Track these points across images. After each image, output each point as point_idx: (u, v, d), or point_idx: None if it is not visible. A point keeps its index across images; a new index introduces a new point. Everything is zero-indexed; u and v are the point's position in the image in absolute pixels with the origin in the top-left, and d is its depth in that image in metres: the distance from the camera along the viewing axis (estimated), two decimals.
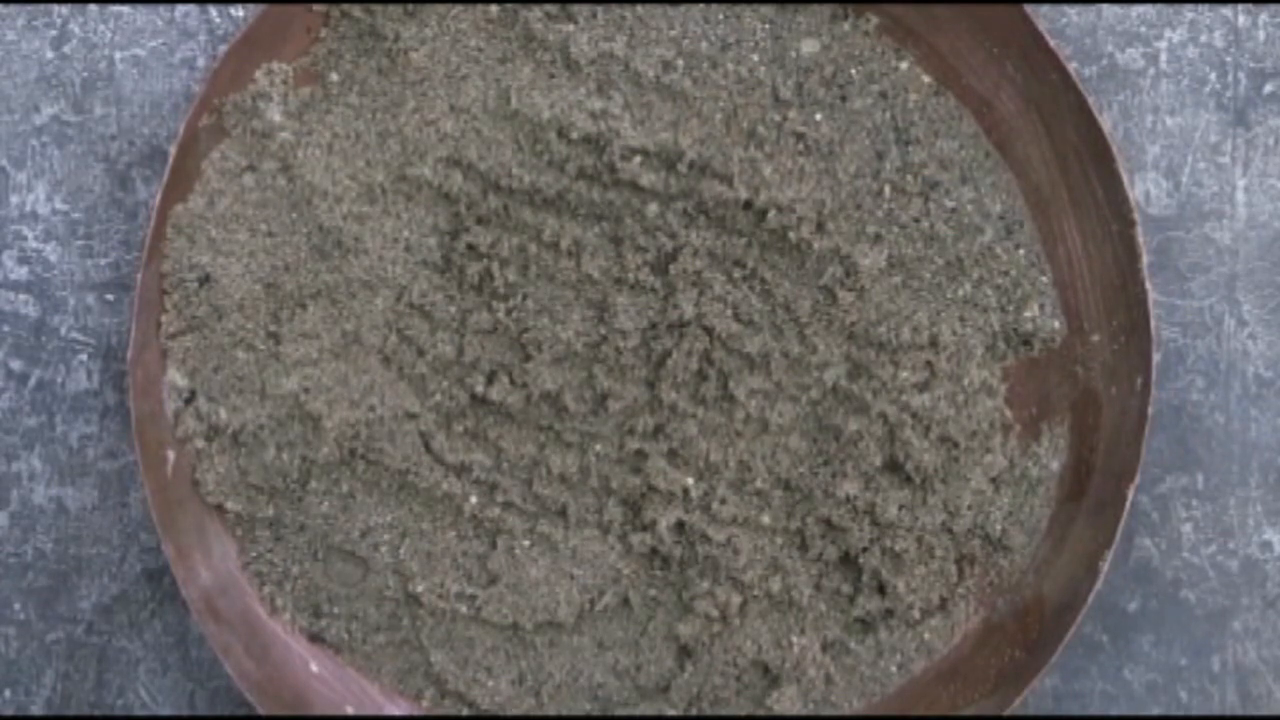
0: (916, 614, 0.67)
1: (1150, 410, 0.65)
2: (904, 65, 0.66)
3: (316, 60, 0.67)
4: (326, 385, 0.67)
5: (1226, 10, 0.68)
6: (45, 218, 0.70)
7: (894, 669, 0.68)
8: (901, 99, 0.66)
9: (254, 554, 0.69)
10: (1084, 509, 0.67)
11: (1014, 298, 0.67)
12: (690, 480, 0.67)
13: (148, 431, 0.66)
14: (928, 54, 0.66)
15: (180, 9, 0.70)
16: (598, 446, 0.67)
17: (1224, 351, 0.69)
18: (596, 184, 0.66)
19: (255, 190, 0.67)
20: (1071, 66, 0.64)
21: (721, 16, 0.66)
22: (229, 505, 0.68)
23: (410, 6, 0.66)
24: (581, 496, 0.68)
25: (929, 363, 0.66)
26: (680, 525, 0.67)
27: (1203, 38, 0.68)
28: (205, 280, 0.66)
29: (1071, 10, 0.69)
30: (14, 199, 0.70)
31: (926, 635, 0.68)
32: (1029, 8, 0.64)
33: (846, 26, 0.66)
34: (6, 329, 0.71)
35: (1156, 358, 0.65)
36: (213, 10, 0.69)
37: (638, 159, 0.65)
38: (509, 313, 0.67)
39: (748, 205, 0.65)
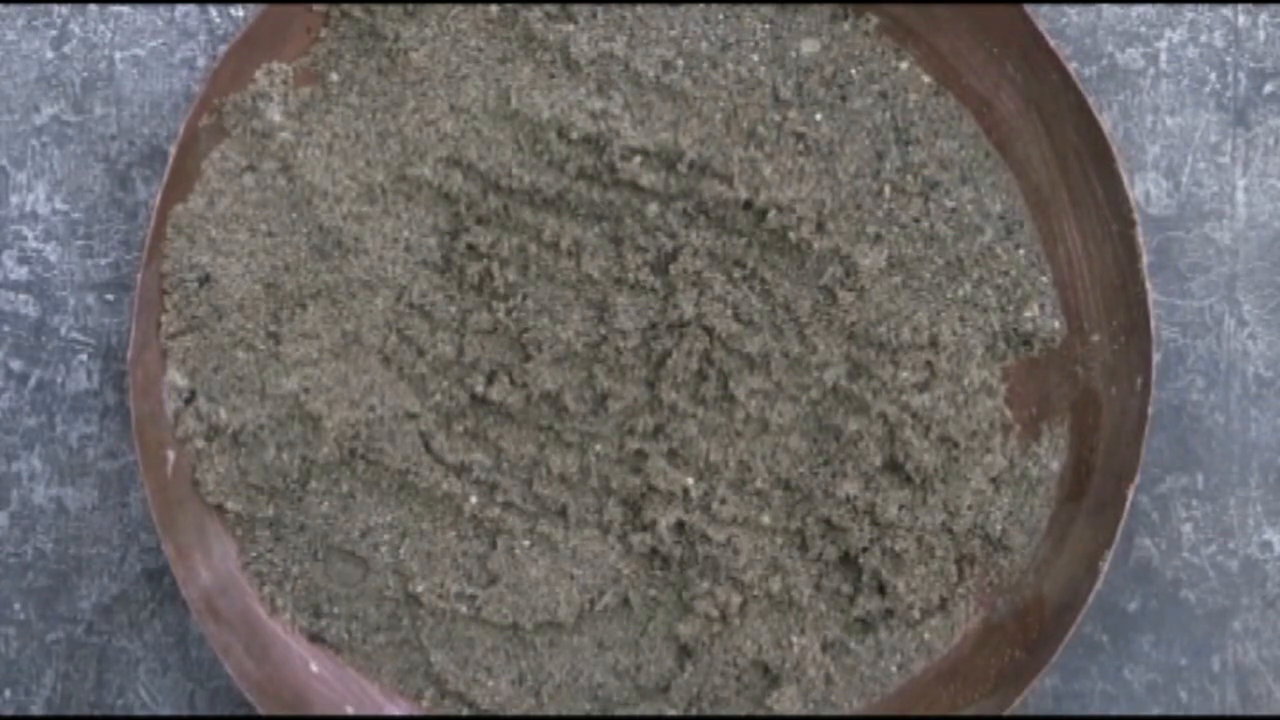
0: (916, 614, 0.67)
1: (1150, 410, 0.65)
2: (904, 65, 0.66)
3: (316, 60, 0.67)
4: (326, 385, 0.67)
5: (1226, 10, 0.68)
6: (45, 218, 0.70)
7: (894, 669, 0.68)
8: (901, 99, 0.66)
9: (254, 554, 0.69)
10: (1084, 509, 0.67)
11: (1014, 298, 0.67)
12: (690, 480, 0.67)
13: (148, 431, 0.66)
14: (928, 54, 0.66)
15: (180, 9, 0.70)
16: (598, 446, 0.67)
17: (1224, 351, 0.69)
18: (596, 184, 0.66)
19: (255, 190, 0.67)
20: (1071, 66, 0.64)
21: (721, 16, 0.66)
22: (229, 505, 0.68)
23: (410, 6, 0.66)
24: (581, 496, 0.68)
25: (929, 363, 0.66)
26: (680, 525, 0.67)
27: (1203, 38, 0.68)
28: (205, 280, 0.66)
29: (1071, 10, 0.69)
30: (14, 199, 0.70)
31: (926, 635, 0.68)
32: (1029, 8, 0.64)
33: (846, 26, 0.66)
34: (6, 329, 0.71)
35: (1156, 358, 0.65)
36: (213, 10, 0.69)
37: (638, 159, 0.65)
38: (509, 313, 0.67)
39: (748, 205, 0.65)
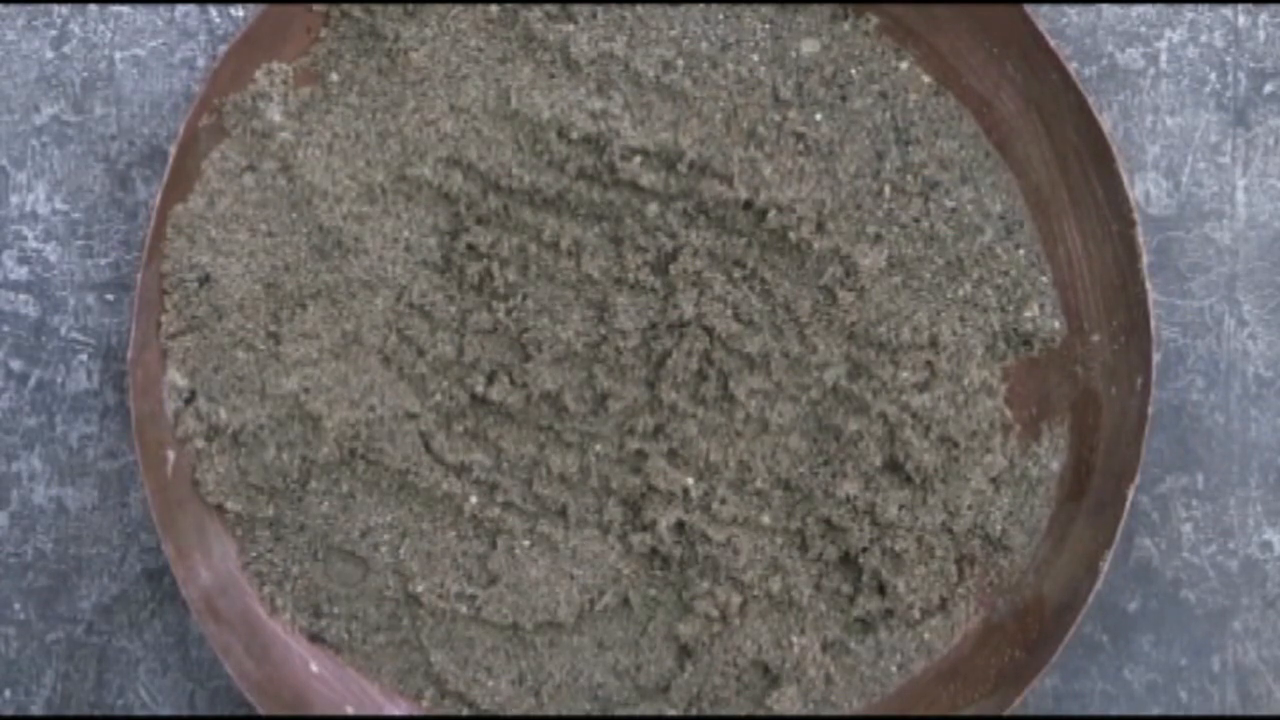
0: (916, 614, 0.67)
1: (1150, 410, 0.65)
2: (904, 65, 0.66)
3: (316, 60, 0.67)
4: (326, 385, 0.67)
5: (1226, 10, 0.68)
6: (45, 218, 0.70)
7: (894, 669, 0.68)
8: (901, 99, 0.66)
9: (254, 554, 0.69)
10: (1084, 509, 0.67)
11: (1014, 298, 0.67)
12: (690, 480, 0.67)
13: (148, 431, 0.66)
14: (928, 54, 0.66)
15: (180, 9, 0.70)
16: (598, 446, 0.67)
17: (1224, 351, 0.69)
18: (596, 184, 0.66)
19: (255, 190, 0.67)
20: (1071, 66, 0.64)
21: (721, 16, 0.66)
22: (229, 505, 0.68)
23: (410, 6, 0.66)
24: (581, 496, 0.68)
25: (929, 363, 0.66)
26: (680, 525, 0.67)
27: (1203, 38, 0.68)
28: (205, 280, 0.66)
29: (1071, 10, 0.69)
30: (14, 199, 0.70)
31: (926, 635, 0.68)
32: (1029, 8, 0.64)
33: (846, 26, 0.66)
34: (6, 329, 0.71)
35: (1156, 358, 0.65)
36: (213, 10, 0.69)
37: (638, 159, 0.65)
38: (509, 313, 0.67)
39: (748, 205, 0.65)
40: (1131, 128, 0.69)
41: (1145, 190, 0.69)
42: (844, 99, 0.66)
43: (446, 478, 0.68)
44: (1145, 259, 0.65)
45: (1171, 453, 0.69)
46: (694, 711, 0.68)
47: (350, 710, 0.69)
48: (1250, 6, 0.68)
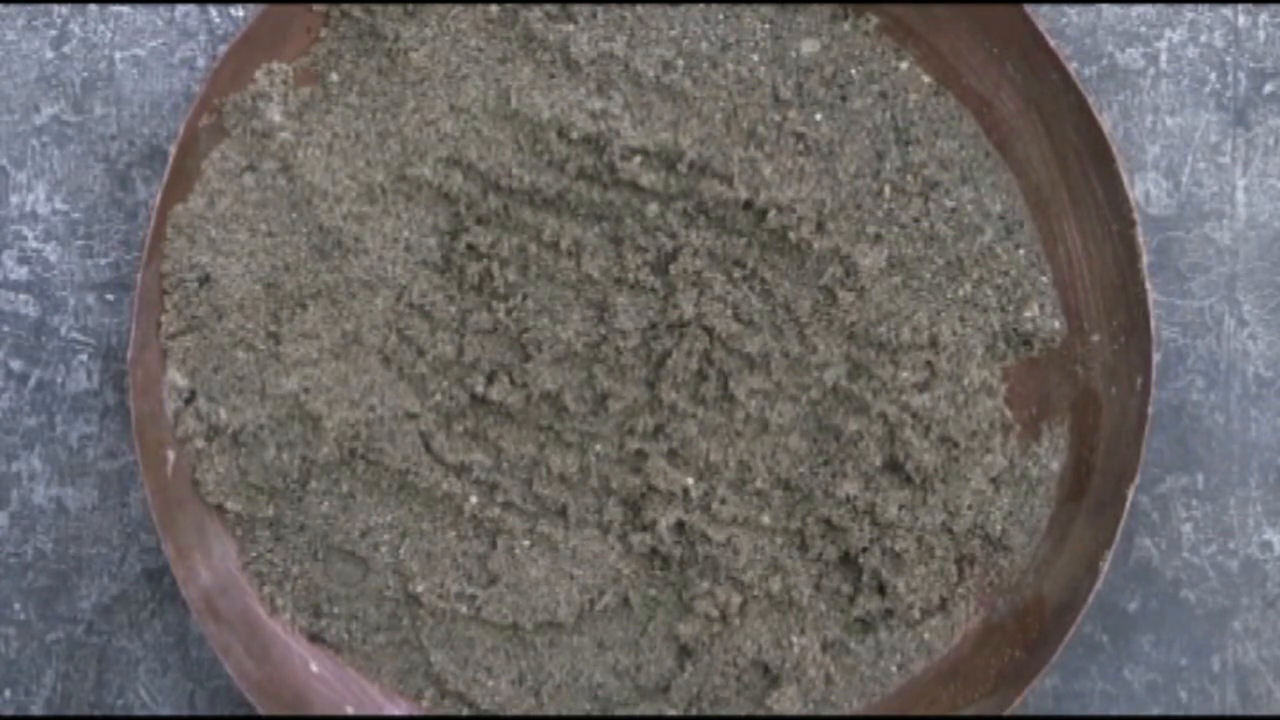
0: (916, 614, 0.67)
1: (1150, 410, 0.65)
2: (904, 65, 0.66)
3: (316, 60, 0.67)
4: (326, 385, 0.67)
5: (1226, 10, 0.68)
6: (45, 218, 0.70)
7: (894, 669, 0.68)
8: (901, 99, 0.66)
9: (254, 554, 0.69)
10: (1084, 509, 0.67)
11: (1014, 298, 0.67)
12: (690, 480, 0.67)
13: (148, 431, 0.66)
14: (928, 54, 0.66)
15: (180, 9, 0.70)
16: (598, 446, 0.67)
17: (1224, 351, 0.69)
18: (596, 184, 0.66)
19: (255, 190, 0.67)
20: (1071, 66, 0.64)
21: (721, 16, 0.66)
22: (229, 505, 0.68)
23: (410, 6, 0.66)
24: (581, 496, 0.68)
25: (929, 363, 0.66)
26: (680, 525, 0.67)
27: (1203, 38, 0.68)
28: (205, 280, 0.66)
29: (1071, 10, 0.69)
30: (14, 199, 0.70)
31: (926, 635, 0.68)
32: (1029, 8, 0.64)
33: (846, 26, 0.66)
34: (6, 329, 0.71)
35: (1156, 358, 0.65)
36: (213, 10, 0.69)
37: (638, 159, 0.65)
38: (509, 313, 0.67)
39: (748, 205, 0.65)
40: (1131, 128, 0.69)
41: (1145, 190, 0.69)
42: (844, 99, 0.66)
43: (446, 478, 0.68)
44: (1145, 259, 0.65)
45: (1171, 453, 0.69)
46: (694, 711, 0.68)
47: (350, 710, 0.69)
48: (1250, 6, 0.68)
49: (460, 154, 0.66)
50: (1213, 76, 0.69)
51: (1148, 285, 0.65)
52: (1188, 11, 0.68)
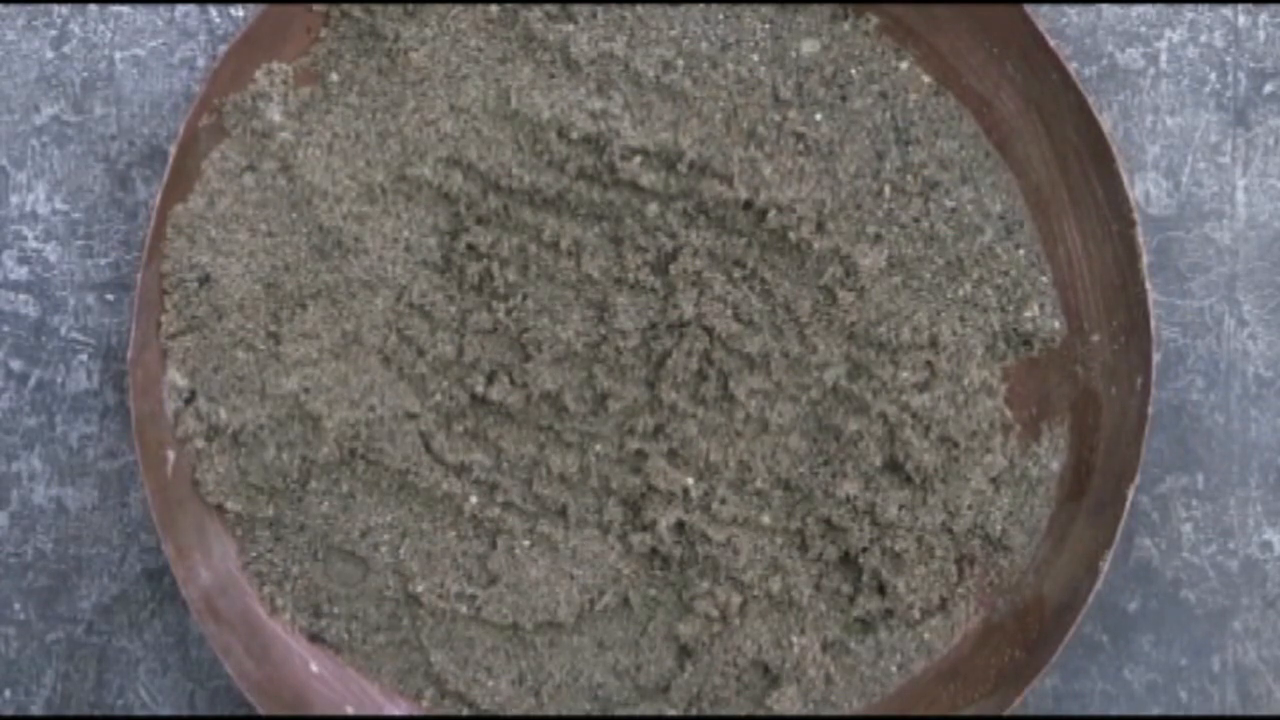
0: (916, 614, 0.67)
1: (1150, 410, 0.65)
2: (904, 65, 0.66)
3: (316, 60, 0.67)
4: (326, 385, 0.67)
5: (1226, 10, 0.68)
6: (45, 218, 0.70)
7: (894, 669, 0.68)
8: (901, 99, 0.66)
9: (254, 554, 0.69)
10: (1084, 509, 0.67)
11: (1014, 298, 0.67)
12: (690, 480, 0.67)
13: (148, 431, 0.66)
14: (928, 54, 0.66)
15: (180, 9, 0.70)
16: (598, 446, 0.67)
17: (1224, 351, 0.69)
18: (596, 184, 0.66)
19: (255, 190, 0.67)
20: (1071, 66, 0.64)
21: (721, 16, 0.66)
22: (229, 505, 0.68)
23: (410, 6, 0.66)
24: (581, 496, 0.68)
25: (929, 363, 0.66)
26: (680, 525, 0.67)
27: (1203, 38, 0.68)
28: (205, 280, 0.66)
29: (1071, 10, 0.69)
30: (14, 199, 0.70)
31: (926, 635, 0.68)
32: (1029, 8, 0.64)
33: (846, 26, 0.66)
34: (6, 329, 0.71)
35: (1156, 358, 0.65)
36: (213, 10, 0.69)
37: (638, 159, 0.65)
38: (509, 313, 0.67)
39: (748, 205, 0.65)
40: (1131, 128, 0.69)
41: (1145, 190, 0.69)
42: (844, 99, 0.66)
43: (446, 478, 0.68)
44: (1145, 259, 0.65)
45: (1171, 453, 0.69)
46: (694, 711, 0.68)
47: (350, 710, 0.69)
48: (1250, 6, 0.68)
49: (460, 154, 0.66)
50: (1213, 76, 0.69)
51: (1148, 285, 0.65)
52: (1188, 11, 0.68)
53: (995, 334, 0.67)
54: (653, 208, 0.66)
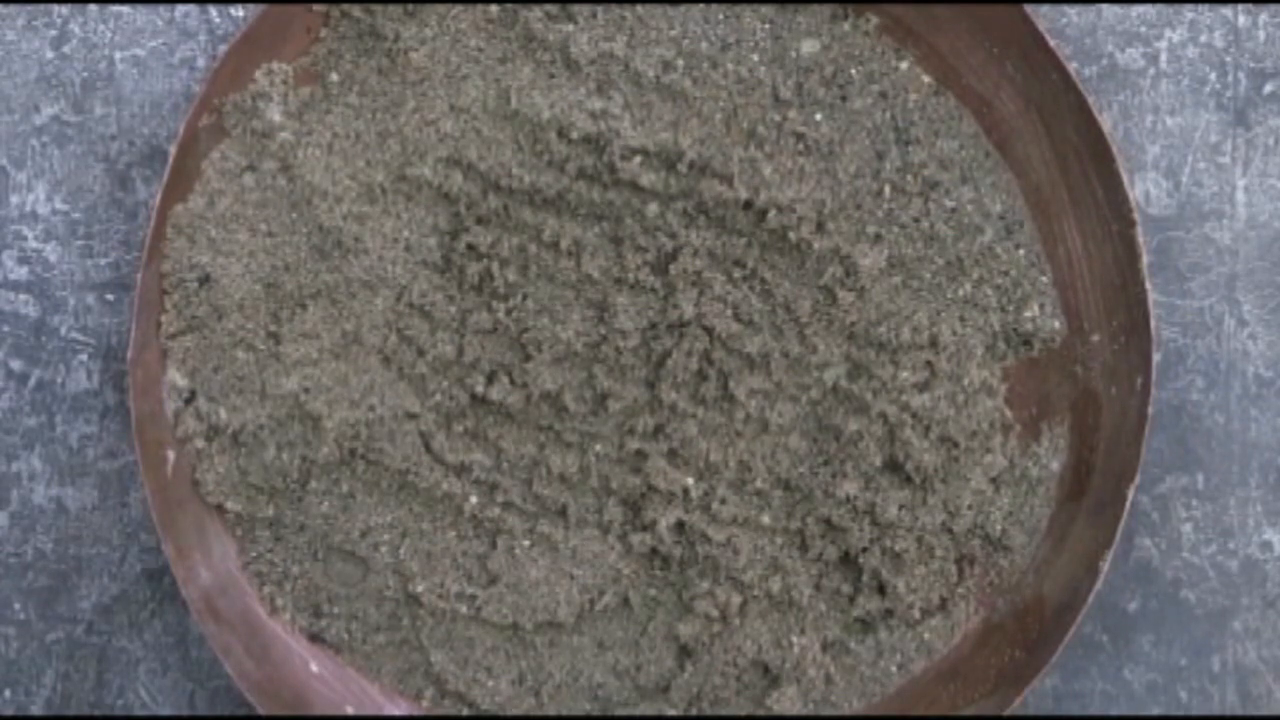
0: (916, 614, 0.67)
1: (1150, 410, 0.65)
2: (904, 65, 0.66)
3: (316, 60, 0.67)
4: (326, 385, 0.67)
5: (1226, 10, 0.68)
6: (45, 218, 0.70)
7: (894, 669, 0.68)
8: (901, 99, 0.66)
9: (254, 554, 0.69)
10: (1084, 509, 0.67)
11: (1014, 298, 0.67)
12: (690, 480, 0.67)
13: (148, 431, 0.66)
14: (928, 54, 0.66)
15: (180, 9, 0.70)
16: (598, 446, 0.67)
17: (1224, 351, 0.69)
18: (596, 184, 0.66)
19: (255, 190, 0.67)
20: (1071, 66, 0.64)
21: (721, 16, 0.66)
22: (229, 505, 0.68)
23: (410, 6, 0.66)
24: (581, 496, 0.68)
25: (929, 363, 0.66)
26: (680, 525, 0.67)
27: (1203, 38, 0.68)
28: (205, 280, 0.66)
29: (1071, 10, 0.69)
30: (14, 199, 0.70)
31: (926, 635, 0.68)
32: (1029, 8, 0.64)
33: (846, 26, 0.66)
34: (6, 329, 0.71)
35: (1156, 358, 0.65)
36: (213, 10, 0.69)
37: (638, 159, 0.65)
38: (509, 313, 0.67)
39: (748, 205, 0.65)
40: (1131, 128, 0.69)
41: (1145, 190, 0.69)
42: (844, 99, 0.66)
43: (446, 478, 0.68)
44: (1145, 259, 0.65)
45: (1171, 453, 0.69)
46: (694, 711, 0.68)
47: (350, 710, 0.69)
48: (1250, 6, 0.68)
49: (460, 154, 0.66)
50: (1213, 76, 0.69)
51: (1148, 285, 0.65)
52: (1188, 11, 0.68)
53: (995, 334, 0.67)
54: (653, 208, 0.66)
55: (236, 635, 0.68)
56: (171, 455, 0.67)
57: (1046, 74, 0.65)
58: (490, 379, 0.67)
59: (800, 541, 0.68)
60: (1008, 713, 0.65)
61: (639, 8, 0.66)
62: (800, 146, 0.66)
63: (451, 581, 0.68)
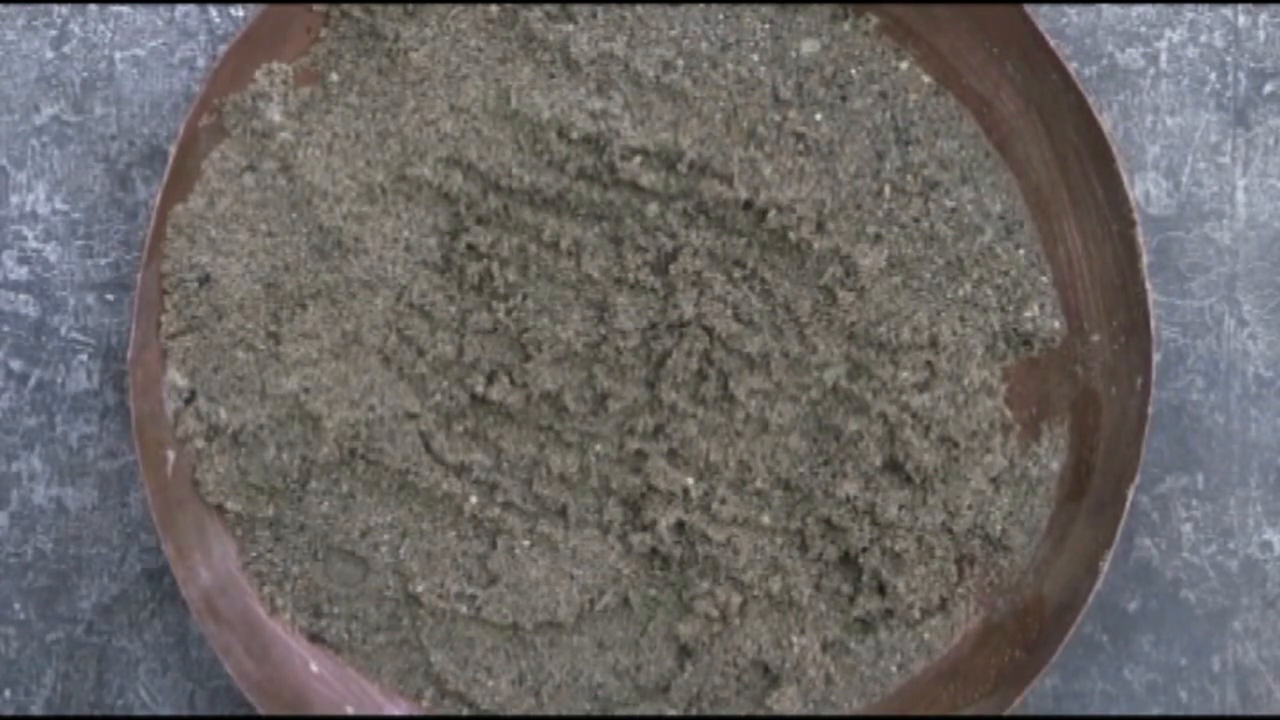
0: (916, 614, 0.67)
1: (1150, 410, 0.65)
2: (904, 65, 0.66)
3: (316, 60, 0.67)
4: (326, 385, 0.67)
5: (1226, 10, 0.68)
6: (45, 218, 0.70)
7: (894, 669, 0.68)
8: (901, 99, 0.66)
9: (254, 554, 0.69)
10: (1084, 509, 0.67)
11: (1014, 298, 0.67)
12: (690, 480, 0.67)
13: (148, 431, 0.66)
14: (928, 54, 0.66)
15: (180, 9, 0.70)
16: (598, 446, 0.67)
17: (1224, 351, 0.69)
18: (596, 184, 0.66)
19: (255, 190, 0.67)
20: (1071, 66, 0.64)
21: (721, 16, 0.66)
22: (229, 505, 0.68)
23: (410, 6, 0.66)
24: (581, 496, 0.68)
25: (929, 363, 0.66)
26: (680, 525, 0.67)
27: (1203, 38, 0.68)
28: (205, 280, 0.66)
29: (1071, 10, 0.69)
30: (14, 199, 0.70)
31: (926, 635, 0.68)
32: (1029, 8, 0.64)
33: (846, 26, 0.66)
34: (6, 329, 0.71)
35: (1156, 358, 0.65)
36: (213, 10, 0.69)
37: (638, 159, 0.65)
38: (509, 313, 0.67)
39: (748, 205, 0.65)
40: (1131, 128, 0.69)
41: (1145, 190, 0.69)
42: (844, 99, 0.66)
43: (446, 478, 0.68)
44: (1145, 259, 0.65)
45: (1171, 453, 0.69)
46: (694, 711, 0.68)
47: (350, 710, 0.69)
48: (1250, 6, 0.68)
49: (460, 154, 0.66)
50: (1213, 76, 0.69)
51: (1148, 285, 0.65)
52: (1188, 11, 0.68)
53: (995, 334, 0.67)
54: (653, 208, 0.66)
55: (236, 635, 0.68)
56: (171, 455, 0.67)
57: (1046, 74, 0.65)
58: (490, 379, 0.67)
59: (800, 541, 0.68)
60: (1008, 713, 0.65)
61: (639, 8, 0.66)
62: (800, 146, 0.66)
63: (451, 581, 0.68)
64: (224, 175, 0.66)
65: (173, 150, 0.65)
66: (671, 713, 0.68)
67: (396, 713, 0.69)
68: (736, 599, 0.67)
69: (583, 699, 0.69)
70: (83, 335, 0.70)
